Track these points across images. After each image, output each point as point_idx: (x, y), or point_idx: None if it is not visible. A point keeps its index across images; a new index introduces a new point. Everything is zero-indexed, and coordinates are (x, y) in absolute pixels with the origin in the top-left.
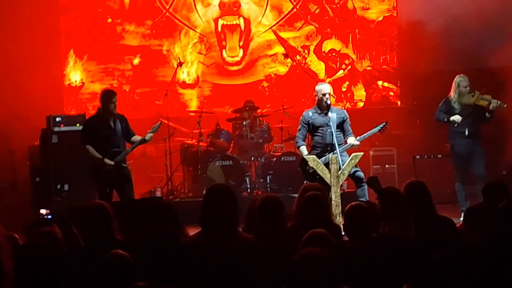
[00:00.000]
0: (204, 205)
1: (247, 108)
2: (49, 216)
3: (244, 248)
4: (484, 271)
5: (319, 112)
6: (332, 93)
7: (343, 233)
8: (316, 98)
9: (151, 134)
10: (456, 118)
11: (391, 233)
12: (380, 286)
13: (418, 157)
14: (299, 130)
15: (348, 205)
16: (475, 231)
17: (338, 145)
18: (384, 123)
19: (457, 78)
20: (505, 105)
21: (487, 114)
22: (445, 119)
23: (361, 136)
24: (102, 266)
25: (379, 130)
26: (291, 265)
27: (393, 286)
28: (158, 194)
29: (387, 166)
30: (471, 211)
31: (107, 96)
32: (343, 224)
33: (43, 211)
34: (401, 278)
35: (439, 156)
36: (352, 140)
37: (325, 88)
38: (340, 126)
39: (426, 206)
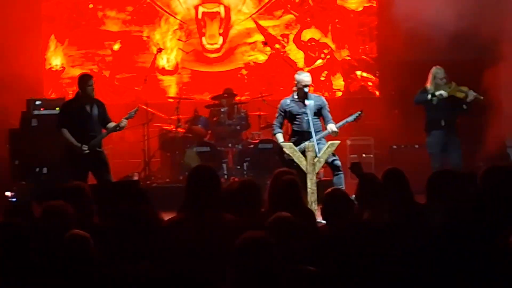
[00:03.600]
0: (187, 186)
1: (225, 95)
2: (13, 199)
3: (226, 230)
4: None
5: (296, 100)
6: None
7: (318, 219)
8: (296, 87)
9: (126, 121)
10: (443, 92)
11: (369, 219)
12: (355, 270)
13: (395, 147)
14: (277, 117)
15: (327, 190)
16: (436, 200)
17: (316, 132)
18: (359, 112)
19: (433, 70)
20: (482, 97)
21: (464, 106)
22: (427, 97)
23: (337, 125)
24: (61, 246)
25: (354, 119)
26: (233, 251)
27: (367, 270)
28: (136, 179)
29: (364, 155)
30: (432, 177)
31: (84, 79)
32: (320, 208)
33: (7, 193)
34: (375, 262)
35: (416, 146)
36: (331, 127)
37: (306, 79)
38: (318, 113)
39: (404, 192)
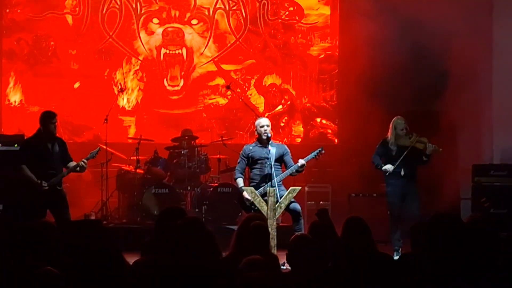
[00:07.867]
0: (157, 227)
1: (186, 137)
2: None
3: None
4: None
5: (259, 145)
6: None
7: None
8: (257, 133)
9: (86, 161)
10: (388, 167)
11: (336, 266)
12: None
13: (353, 195)
14: (239, 163)
15: (294, 235)
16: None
17: (277, 177)
18: (319, 149)
19: (394, 120)
20: (440, 149)
21: (424, 157)
22: (378, 167)
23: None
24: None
25: (315, 156)
26: None
27: None
28: (93, 218)
29: (321, 202)
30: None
31: (48, 117)
32: (286, 254)
33: None
34: None
35: (374, 195)
36: (299, 161)
37: (263, 120)
38: (280, 160)
39: (366, 241)
